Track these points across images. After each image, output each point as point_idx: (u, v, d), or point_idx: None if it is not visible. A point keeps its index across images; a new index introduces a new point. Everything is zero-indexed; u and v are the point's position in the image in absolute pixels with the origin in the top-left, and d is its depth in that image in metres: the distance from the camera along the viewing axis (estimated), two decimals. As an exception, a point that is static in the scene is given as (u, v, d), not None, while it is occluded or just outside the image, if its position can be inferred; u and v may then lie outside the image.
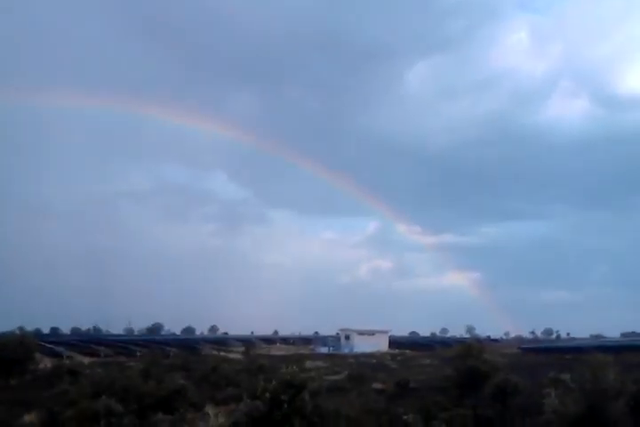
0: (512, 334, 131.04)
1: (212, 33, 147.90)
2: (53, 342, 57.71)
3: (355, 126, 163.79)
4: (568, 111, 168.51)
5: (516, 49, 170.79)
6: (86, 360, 43.26)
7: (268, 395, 11.98)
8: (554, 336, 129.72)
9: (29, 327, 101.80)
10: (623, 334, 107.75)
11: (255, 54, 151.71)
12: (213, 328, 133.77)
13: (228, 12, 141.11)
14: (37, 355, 37.59)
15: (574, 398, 14.28)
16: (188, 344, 65.48)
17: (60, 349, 49.02)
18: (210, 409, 10.12)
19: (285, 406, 11.89)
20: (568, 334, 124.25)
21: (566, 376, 22.97)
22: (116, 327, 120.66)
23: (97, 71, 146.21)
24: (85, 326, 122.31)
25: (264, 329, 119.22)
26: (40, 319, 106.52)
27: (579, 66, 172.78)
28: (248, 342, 74.49)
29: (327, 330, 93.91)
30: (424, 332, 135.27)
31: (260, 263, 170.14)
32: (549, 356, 50.05)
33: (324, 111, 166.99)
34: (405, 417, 15.10)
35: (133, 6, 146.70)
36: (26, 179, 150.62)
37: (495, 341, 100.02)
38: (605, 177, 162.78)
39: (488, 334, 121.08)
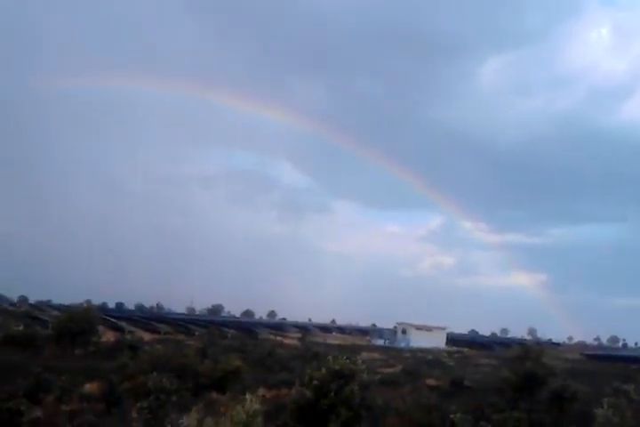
0: (575, 339, 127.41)
1: (285, 22, 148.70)
2: (117, 316, 59.62)
3: (424, 119, 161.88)
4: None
5: (596, 46, 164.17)
6: (147, 336, 44.48)
7: (315, 383, 11.86)
8: (620, 344, 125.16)
9: (96, 301, 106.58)
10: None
11: (327, 44, 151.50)
12: (272, 313, 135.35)
13: (302, 4, 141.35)
14: (101, 328, 38.95)
15: (636, 410, 13.59)
16: (247, 327, 66.40)
17: (122, 324, 50.56)
18: (248, 394, 10.07)
19: (332, 395, 11.74)
20: (636, 343, 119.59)
21: (630, 387, 22.03)
22: (178, 306, 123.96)
23: (174, 58, 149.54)
24: (149, 303, 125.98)
25: (322, 317, 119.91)
26: (107, 294, 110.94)
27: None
28: (305, 329, 74.98)
29: (385, 323, 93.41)
30: (484, 331, 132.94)
31: (321, 252, 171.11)
32: (613, 364, 48.27)
33: (393, 103, 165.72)
34: (452, 416, 14.65)
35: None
36: (103, 160, 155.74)
37: (557, 345, 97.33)
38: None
39: (550, 337, 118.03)
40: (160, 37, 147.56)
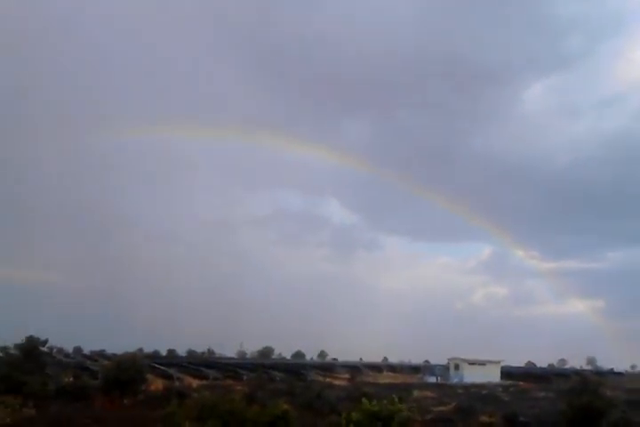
0: (639, 368, 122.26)
1: (322, 59, 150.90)
2: (167, 363, 59.81)
3: (470, 149, 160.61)
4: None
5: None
6: (195, 383, 44.48)
7: (351, 427, 11.62)
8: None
9: (148, 349, 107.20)
10: None
11: (366, 78, 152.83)
12: (322, 354, 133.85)
13: (338, 36, 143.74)
14: (150, 376, 39.10)
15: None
16: (295, 369, 65.80)
17: (171, 371, 50.65)
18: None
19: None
20: None
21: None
22: (230, 350, 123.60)
23: (211, 102, 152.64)
24: (201, 348, 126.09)
25: (373, 356, 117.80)
26: (160, 342, 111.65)
27: None
28: (355, 369, 73.83)
29: (438, 358, 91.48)
30: (541, 362, 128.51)
31: (372, 289, 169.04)
32: (679, 393, 46.05)
33: (437, 135, 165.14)
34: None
35: (243, 38, 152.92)
36: (154, 209, 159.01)
37: (619, 374, 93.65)
38: None
39: (611, 366, 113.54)
40: (201, 85, 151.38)
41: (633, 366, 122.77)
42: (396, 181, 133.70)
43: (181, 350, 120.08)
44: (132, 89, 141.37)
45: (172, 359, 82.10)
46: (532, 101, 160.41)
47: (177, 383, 41.84)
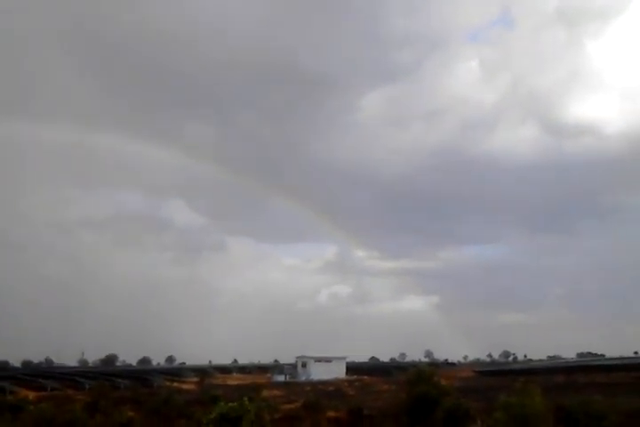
0: (470, 358, 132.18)
1: (168, 63, 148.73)
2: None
3: (310, 154, 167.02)
4: (516, 138, 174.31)
5: (465, 79, 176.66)
6: (32, 395, 41.67)
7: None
8: (511, 358, 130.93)
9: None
10: (579, 355, 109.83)
11: (211, 83, 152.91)
12: (170, 358, 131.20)
13: (184, 41, 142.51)
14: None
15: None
16: (141, 376, 63.78)
17: (4, 384, 47.04)
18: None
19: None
20: (525, 355, 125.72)
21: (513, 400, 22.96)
22: (70, 359, 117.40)
23: (53, 101, 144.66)
24: (37, 358, 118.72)
25: (223, 358, 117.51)
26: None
27: (526, 95, 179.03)
28: (203, 373, 72.96)
29: (287, 357, 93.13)
30: (384, 357, 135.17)
31: (218, 291, 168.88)
32: (504, 378, 50.50)
33: (278, 139, 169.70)
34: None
35: (90, 41, 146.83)
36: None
37: (452, 364, 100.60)
38: (553, 201, 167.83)
39: (446, 357, 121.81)
40: (40, 81, 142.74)
41: (465, 357, 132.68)
42: (241, 183, 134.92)
43: (15, 361, 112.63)
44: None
45: (4, 371, 76.37)
46: (368, 110, 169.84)
47: (9, 397, 38.89)
